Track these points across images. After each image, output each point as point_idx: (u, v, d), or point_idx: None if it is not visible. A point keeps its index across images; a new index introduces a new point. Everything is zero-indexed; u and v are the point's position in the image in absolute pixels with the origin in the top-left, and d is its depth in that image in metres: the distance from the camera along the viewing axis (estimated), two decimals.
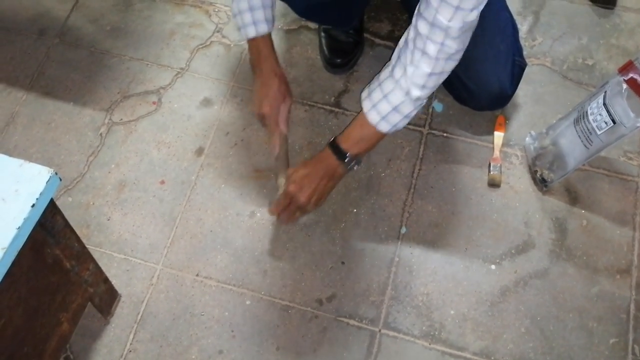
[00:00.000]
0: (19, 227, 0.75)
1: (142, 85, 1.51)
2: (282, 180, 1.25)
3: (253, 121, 1.44)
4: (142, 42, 1.58)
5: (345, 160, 1.16)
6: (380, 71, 1.11)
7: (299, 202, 1.18)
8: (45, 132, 1.46)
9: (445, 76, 1.05)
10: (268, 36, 1.26)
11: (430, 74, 1.02)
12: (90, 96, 1.50)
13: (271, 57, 1.27)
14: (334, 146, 1.16)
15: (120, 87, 1.51)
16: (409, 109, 1.07)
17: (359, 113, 1.14)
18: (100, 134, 1.45)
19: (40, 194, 0.78)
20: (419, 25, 0.99)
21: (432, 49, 0.99)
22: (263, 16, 1.21)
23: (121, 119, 1.47)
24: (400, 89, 1.05)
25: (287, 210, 1.21)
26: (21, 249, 0.78)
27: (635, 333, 1.19)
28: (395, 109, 1.07)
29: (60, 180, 0.82)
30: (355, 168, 1.19)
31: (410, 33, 1.02)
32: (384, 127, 1.10)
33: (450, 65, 1.03)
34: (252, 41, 1.26)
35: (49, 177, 0.80)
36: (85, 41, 1.59)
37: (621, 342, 1.18)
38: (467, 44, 1.02)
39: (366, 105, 1.10)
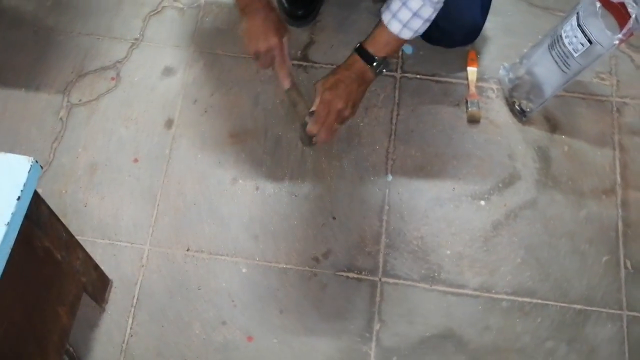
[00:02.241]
0: (7, 223, 0.70)
1: (97, 60, 1.43)
2: (300, 104, 1.23)
3: (220, 85, 1.39)
4: (88, 14, 1.49)
5: (374, 64, 1.15)
6: None
7: (337, 107, 1.15)
8: (0, 123, 1.37)
9: None
10: None
11: None
12: (42, 79, 1.41)
13: None
14: (361, 51, 1.15)
15: (73, 66, 1.42)
16: (429, 12, 1.08)
17: (379, 22, 1.13)
18: (61, 118, 1.37)
19: (24, 185, 0.73)
20: None
21: None
22: None
23: (80, 100, 1.39)
24: None
25: (327, 121, 1.16)
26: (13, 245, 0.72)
27: (625, 248, 1.22)
28: (416, 14, 1.08)
29: (42, 168, 0.77)
30: (384, 72, 1.19)
31: None
32: (406, 34, 1.11)
33: None
34: None
35: (30, 166, 0.74)
36: (26, 20, 1.49)
37: (613, 259, 1.22)
38: None
39: (386, 16, 1.11)
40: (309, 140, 1.21)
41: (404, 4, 1.08)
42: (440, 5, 1.09)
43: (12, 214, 0.70)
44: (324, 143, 1.21)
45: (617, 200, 1.26)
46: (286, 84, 1.22)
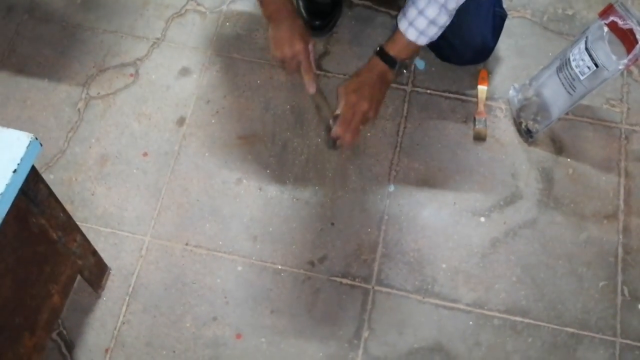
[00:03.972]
0: (1, 194, 0.73)
1: (118, 57, 1.48)
2: (325, 107, 1.27)
3: (233, 88, 1.42)
4: (114, 13, 1.54)
5: (395, 67, 1.19)
6: None
7: (362, 109, 1.18)
8: (21, 111, 1.42)
9: None
10: None
11: None
12: (65, 71, 1.47)
13: (289, 2, 1.24)
14: (382, 54, 1.19)
15: (95, 61, 1.48)
16: (444, 19, 1.12)
17: (397, 28, 1.17)
18: (78, 110, 1.42)
19: (21, 159, 0.76)
20: None
21: None
22: None
23: (98, 93, 1.43)
24: (435, 2, 1.09)
25: (352, 124, 1.18)
26: (5, 216, 0.75)
27: (624, 275, 1.21)
28: (432, 22, 1.12)
29: (42, 145, 0.80)
30: (404, 72, 1.23)
31: None
32: (423, 40, 1.16)
33: None
34: None
35: (29, 142, 0.77)
36: (55, 16, 1.55)
37: (610, 284, 1.20)
38: None
39: (403, 24, 1.15)
40: (333, 143, 1.22)
41: (420, 12, 1.12)
42: (455, 11, 1.13)
43: (6, 185, 0.74)
44: (349, 145, 1.22)
45: (619, 226, 1.24)
46: (312, 89, 1.25)
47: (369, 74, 1.20)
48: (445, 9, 1.10)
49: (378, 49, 1.21)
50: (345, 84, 1.21)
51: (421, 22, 1.13)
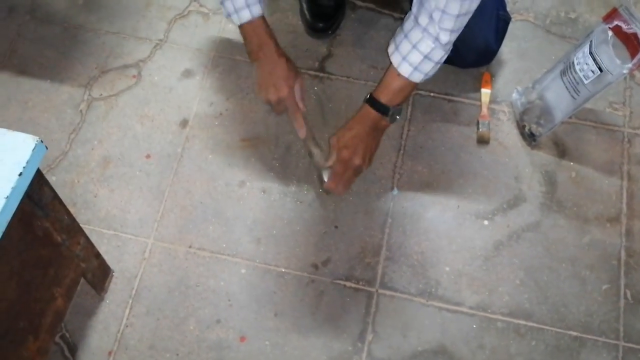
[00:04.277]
0: (7, 197, 0.73)
1: (120, 59, 1.48)
2: (317, 154, 1.25)
3: (236, 91, 1.42)
4: (116, 15, 1.54)
5: (389, 114, 1.16)
6: (402, 23, 1.09)
7: (355, 165, 1.16)
8: (23, 112, 1.42)
9: (469, 16, 1.03)
10: (263, 18, 1.21)
11: (458, 16, 1.00)
12: (66, 73, 1.46)
13: (271, 39, 1.22)
14: (373, 102, 1.15)
15: (97, 62, 1.47)
16: (440, 55, 1.07)
17: (388, 67, 1.13)
18: (81, 111, 1.41)
19: (27, 162, 0.76)
20: None
21: None
22: None
23: (101, 95, 1.43)
24: (429, 36, 1.04)
25: (344, 177, 1.18)
26: (10, 220, 0.75)
27: (627, 278, 1.21)
28: (427, 57, 1.06)
29: (47, 148, 0.80)
30: (397, 118, 1.19)
31: None
32: (417, 77, 1.10)
33: (475, 3, 1.01)
34: (247, 25, 1.21)
35: (34, 144, 0.77)
36: (57, 17, 1.54)
37: (613, 287, 1.20)
38: None
39: (396, 58, 1.09)
40: (326, 191, 1.25)
41: (414, 46, 1.06)
42: (450, 47, 1.08)
43: (12, 188, 0.73)
44: (340, 195, 1.24)
45: (622, 230, 1.25)
46: (301, 133, 1.25)
47: (360, 125, 1.16)
48: (439, 44, 1.04)
49: (368, 96, 1.16)
50: (337, 135, 1.18)
51: (415, 57, 1.07)
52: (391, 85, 1.13)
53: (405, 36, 1.07)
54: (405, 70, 1.09)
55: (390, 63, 1.11)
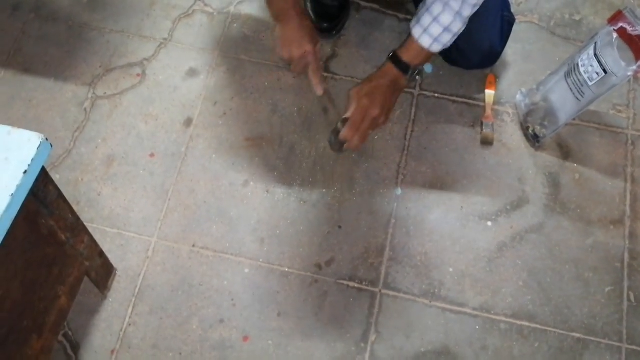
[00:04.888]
0: (12, 195, 0.73)
1: (125, 57, 1.48)
2: (332, 111, 1.27)
3: (241, 90, 1.42)
4: (121, 13, 1.54)
5: (408, 73, 1.19)
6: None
7: (373, 115, 1.17)
8: (27, 110, 1.42)
9: None
10: None
11: None
12: (71, 71, 1.46)
13: (297, 1, 1.23)
14: (396, 59, 1.19)
15: (102, 61, 1.47)
16: (459, 27, 1.12)
17: (410, 34, 1.16)
18: (85, 109, 1.41)
19: (32, 160, 0.76)
20: None
21: None
22: None
23: (105, 93, 1.43)
24: (450, 10, 1.10)
25: (362, 128, 1.18)
26: (15, 218, 0.75)
27: (630, 280, 1.21)
28: (446, 29, 1.12)
29: (52, 146, 0.80)
30: (417, 79, 1.22)
31: None
32: (436, 48, 1.15)
33: None
34: None
35: (39, 143, 0.77)
36: (62, 15, 1.54)
37: (617, 290, 1.20)
38: None
39: (417, 31, 1.15)
40: (339, 145, 1.22)
41: (435, 19, 1.11)
42: (469, 18, 1.13)
43: (17, 186, 0.73)
44: (356, 149, 1.22)
45: (625, 232, 1.25)
46: (319, 90, 1.25)
47: (382, 79, 1.19)
48: (460, 16, 1.10)
49: (391, 54, 1.20)
50: (357, 87, 1.20)
51: (435, 29, 1.13)
52: (413, 48, 1.17)
53: (427, 9, 1.12)
54: (426, 41, 1.14)
55: (412, 35, 1.16)
